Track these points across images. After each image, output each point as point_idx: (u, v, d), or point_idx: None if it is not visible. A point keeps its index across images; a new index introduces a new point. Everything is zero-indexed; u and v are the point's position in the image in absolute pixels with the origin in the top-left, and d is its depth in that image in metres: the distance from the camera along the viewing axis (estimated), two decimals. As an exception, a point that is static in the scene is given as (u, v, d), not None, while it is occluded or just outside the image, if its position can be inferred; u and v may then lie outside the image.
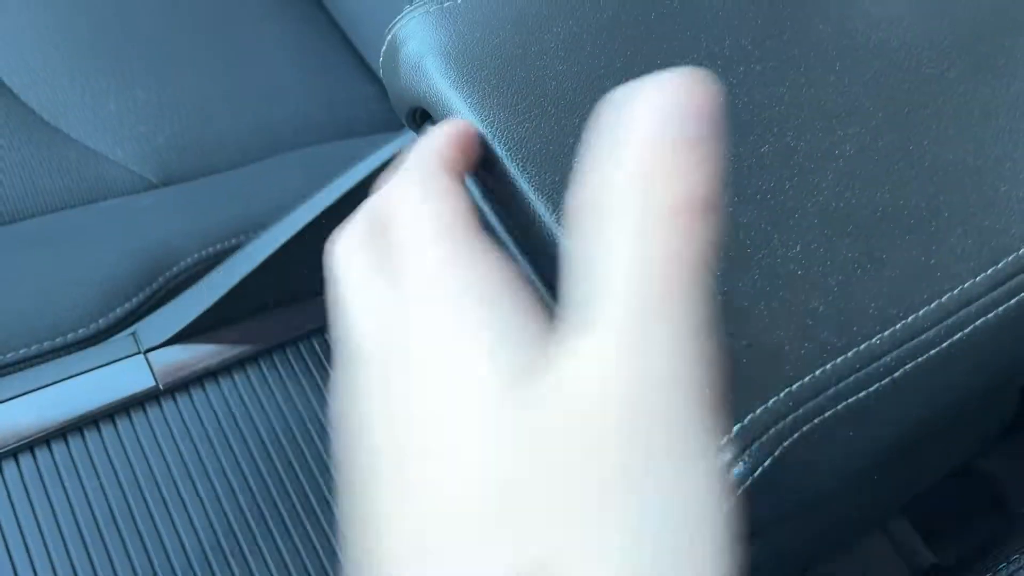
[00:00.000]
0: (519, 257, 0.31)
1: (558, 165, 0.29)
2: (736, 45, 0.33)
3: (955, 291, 0.29)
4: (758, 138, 0.31)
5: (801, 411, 0.26)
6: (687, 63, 0.32)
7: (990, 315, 0.29)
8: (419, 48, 0.32)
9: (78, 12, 0.60)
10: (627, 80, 0.31)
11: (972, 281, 0.29)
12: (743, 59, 0.33)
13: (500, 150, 0.30)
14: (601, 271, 0.20)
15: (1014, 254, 0.30)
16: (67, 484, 0.44)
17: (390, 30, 0.32)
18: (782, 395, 0.26)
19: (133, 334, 0.50)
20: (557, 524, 0.19)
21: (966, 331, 0.29)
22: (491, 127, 0.30)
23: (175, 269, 0.53)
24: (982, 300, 0.29)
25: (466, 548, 0.19)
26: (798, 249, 0.29)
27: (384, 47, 0.33)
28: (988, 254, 0.30)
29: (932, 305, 0.29)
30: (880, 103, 0.33)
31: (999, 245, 0.30)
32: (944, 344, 0.28)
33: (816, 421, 0.26)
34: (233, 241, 0.54)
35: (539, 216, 0.29)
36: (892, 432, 0.28)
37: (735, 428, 0.25)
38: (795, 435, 0.26)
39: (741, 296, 0.28)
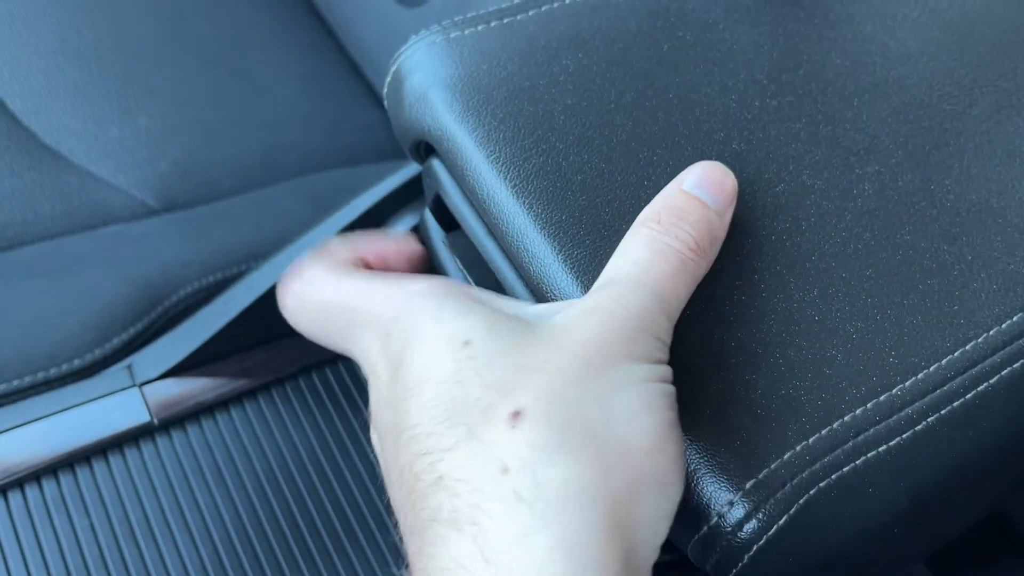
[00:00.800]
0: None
1: (565, 204, 0.28)
2: (751, 79, 0.32)
3: (980, 339, 0.28)
4: (774, 176, 0.30)
5: (818, 465, 0.25)
6: (701, 97, 0.31)
7: (1016, 364, 0.28)
8: (424, 79, 0.31)
9: (83, 37, 0.60)
10: (637, 115, 0.30)
11: (998, 328, 0.28)
12: (759, 93, 0.32)
13: (506, 188, 0.29)
14: (618, 261, 0.26)
15: None
16: (57, 523, 0.42)
17: (395, 60, 0.31)
18: (799, 448, 0.25)
19: (129, 366, 0.49)
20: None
21: (992, 381, 0.27)
22: (497, 163, 0.29)
23: (174, 298, 0.52)
24: (1009, 348, 0.28)
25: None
26: (815, 294, 0.28)
27: (389, 77, 0.32)
28: (1014, 300, 0.29)
29: (956, 354, 0.27)
30: (900, 140, 0.32)
31: None
32: (969, 395, 0.27)
33: (834, 476, 0.25)
34: (234, 270, 0.53)
35: (543, 258, 0.28)
36: (915, 487, 0.26)
37: (748, 484, 0.24)
38: (812, 491, 0.24)
39: (756, 343, 0.26)
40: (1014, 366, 0.27)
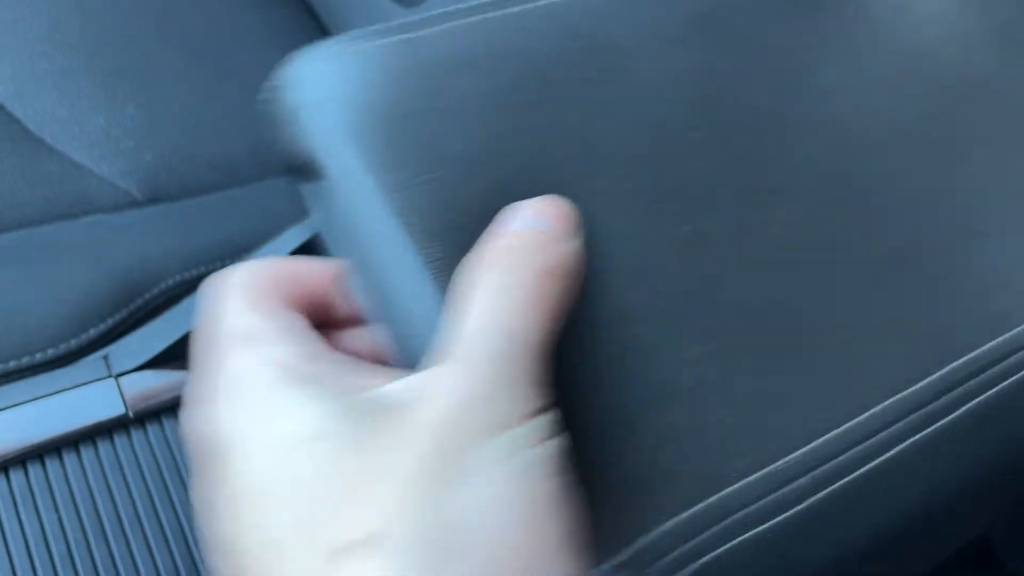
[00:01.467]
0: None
1: (449, 237, 0.27)
2: (667, 112, 0.31)
3: (884, 404, 0.27)
4: (678, 218, 0.29)
5: (693, 544, 0.24)
6: (607, 128, 0.30)
7: (922, 433, 0.27)
8: (308, 96, 0.29)
9: (72, 25, 0.60)
10: (533, 145, 0.29)
11: (903, 394, 0.27)
12: (673, 128, 0.30)
13: (390, 218, 0.28)
14: (460, 318, 0.23)
15: (957, 361, 0.28)
16: (23, 516, 0.44)
17: (280, 70, 0.29)
18: (669, 525, 0.24)
19: (105, 357, 0.50)
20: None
21: (893, 451, 0.27)
22: (384, 190, 0.27)
23: (154, 291, 0.53)
24: (914, 416, 0.27)
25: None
26: (710, 349, 0.27)
27: (266, 94, 0.30)
28: (927, 362, 0.28)
29: (855, 420, 0.27)
30: (819, 183, 0.30)
31: (942, 351, 0.28)
32: (869, 466, 0.26)
33: (710, 557, 0.24)
34: (216, 265, 0.54)
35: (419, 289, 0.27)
36: (805, 566, 0.26)
37: (611, 563, 0.24)
38: (683, 572, 0.24)
39: (636, 404, 0.25)
40: (918, 435, 0.27)
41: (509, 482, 0.20)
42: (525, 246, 0.25)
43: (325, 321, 0.29)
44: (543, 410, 0.22)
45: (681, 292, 0.27)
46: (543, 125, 0.30)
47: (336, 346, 0.29)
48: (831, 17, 0.36)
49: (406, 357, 0.28)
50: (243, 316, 0.25)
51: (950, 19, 0.39)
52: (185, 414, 0.24)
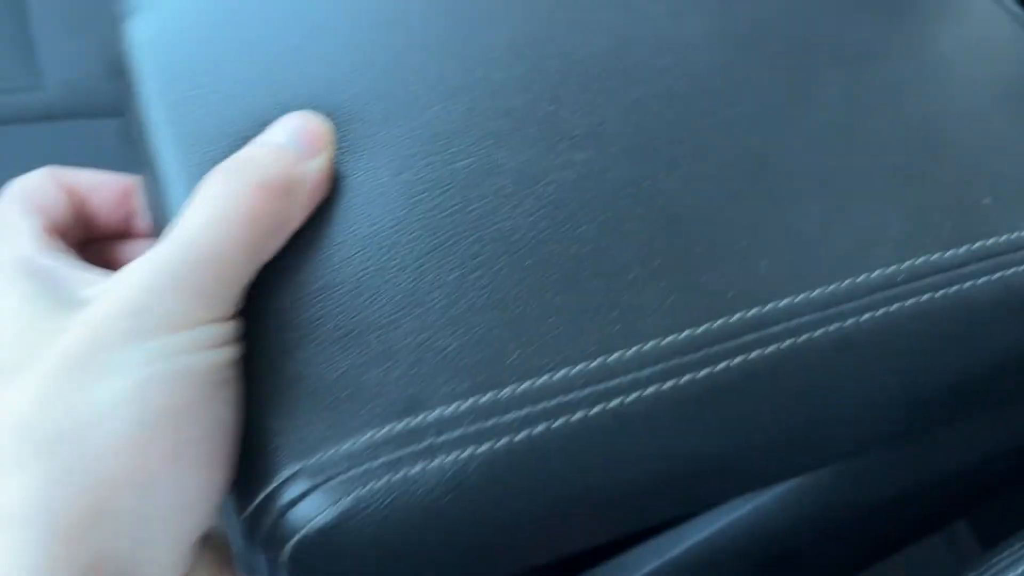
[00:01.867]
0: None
1: (212, 145, 0.28)
2: (484, 48, 0.31)
3: (629, 351, 0.26)
4: (461, 150, 0.29)
5: (380, 462, 0.23)
6: (418, 55, 0.30)
7: (665, 385, 0.26)
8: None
9: None
10: (325, 61, 0.29)
11: (655, 343, 0.26)
12: (484, 62, 0.31)
13: (163, 123, 0.28)
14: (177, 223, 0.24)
15: (722, 319, 0.27)
16: None
17: None
18: (361, 439, 0.24)
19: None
20: None
21: (628, 399, 0.25)
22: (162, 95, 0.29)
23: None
24: (660, 366, 0.26)
25: None
26: (453, 278, 0.26)
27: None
28: (688, 316, 0.27)
29: (593, 362, 0.26)
30: (628, 132, 0.30)
31: (707, 307, 0.27)
32: (592, 410, 0.25)
33: (397, 476, 0.23)
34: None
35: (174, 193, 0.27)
36: (509, 508, 0.25)
37: (292, 469, 0.23)
38: (365, 488, 0.23)
39: (358, 320, 0.25)
40: (662, 386, 0.26)
41: (128, 388, 0.21)
42: (253, 158, 0.26)
43: (104, 231, 0.30)
44: (212, 320, 0.23)
45: (440, 221, 0.27)
46: (352, 51, 0.30)
47: (111, 257, 0.30)
48: None
49: None
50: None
51: None
52: None
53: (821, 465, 0.32)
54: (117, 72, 0.32)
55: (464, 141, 0.29)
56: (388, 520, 0.23)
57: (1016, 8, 0.38)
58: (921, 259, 0.29)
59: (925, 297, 0.28)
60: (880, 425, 0.30)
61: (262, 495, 0.23)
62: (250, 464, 0.24)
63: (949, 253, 0.29)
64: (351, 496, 0.23)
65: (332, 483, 0.23)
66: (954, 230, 0.30)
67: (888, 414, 0.29)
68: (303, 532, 0.23)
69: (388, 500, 0.23)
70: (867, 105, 0.33)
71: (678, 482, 0.27)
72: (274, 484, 0.23)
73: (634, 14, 0.33)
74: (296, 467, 0.23)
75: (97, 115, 0.57)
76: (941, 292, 0.29)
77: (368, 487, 0.23)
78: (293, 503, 0.23)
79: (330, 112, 0.29)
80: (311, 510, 0.23)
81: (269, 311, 0.25)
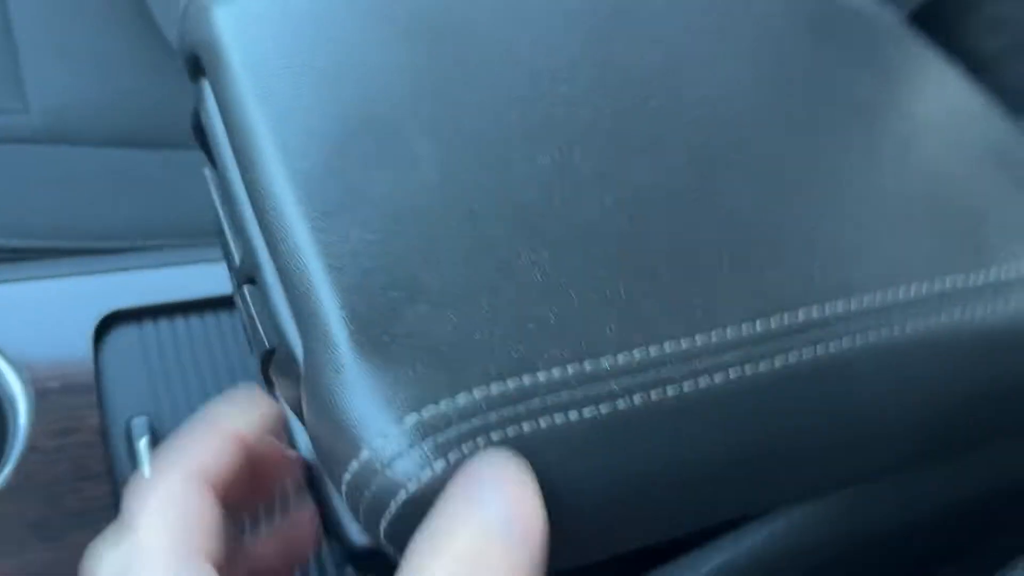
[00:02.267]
0: None
1: (307, 137, 0.28)
2: (550, 64, 0.33)
3: (712, 334, 0.27)
4: (539, 149, 0.30)
5: (494, 416, 0.24)
6: (489, 65, 0.32)
7: (747, 368, 0.27)
8: None
9: None
10: (406, 65, 0.31)
11: (736, 329, 0.28)
12: (551, 76, 0.32)
13: (249, 94, 0.29)
14: None
15: (789, 313, 0.28)
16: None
17: None
18: (476, 394, 0.24)
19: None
20: None
21: (716, 378, 0.27)
22: (250, 73, 0.29)
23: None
24: (742, 350, 0.27)
25: None
26: (546, 255, 0.27)
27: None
28: (760, 307, 0.28)
29: (682, 341, 0.27)
30: (687, 147, 0.32)
31: (775, 302, 0.29)
32: (684, 385, 0.26)
33: (510, 432, 0.24)
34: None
35: (283, 208, 0.27)
36: (609, 471, 0.25)
37: (409, 418, 0.23)
38: (479, 440, 0.23)
39: (462, 285, 0.26)
40: (744, 369, 0.27)
41: None
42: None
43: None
44: None
45: (531, 210, 0.28)
46: (427, 56, 0.32)
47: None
48: (718, 16, 0.39)
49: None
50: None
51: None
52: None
53: (864, 477, 0.34)
54: (195, 56, 0.33)
55: (542, 141, 0.30)
56: None
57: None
58: (948, 282, 0.32)
59: (954, 315, 0.31)
60: (919, 436, 0.32)
61: (380, 440, 0.23)
62: (366, 412, 0.24)
63: (972, 278, 0.32)
64: (467, 447, 0.23)
65: (449, 434, 0.23)
66: (971, 260, 0.33)
67: (926, 424, 0.31)
68: (419, 479, 0.23)
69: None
70: (884, 152, 0.36)
71: (747, 468, 0.28)
72: (392, 429, 0.23)
73: (677, 49, 0.36)
74: (414, 417, 0.23)
75: (79, 143, 0.56)
76: (967, 312, 0.31)
77: (483, 440, 0.23)
78: (410, 449, 0.23)
79: (415, 103, 0.30)
80: (426, 458, 0.23)
81: (377, 269, 0.26)
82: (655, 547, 0.30)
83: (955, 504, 0.41)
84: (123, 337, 0.44)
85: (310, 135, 0.28)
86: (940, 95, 0.43)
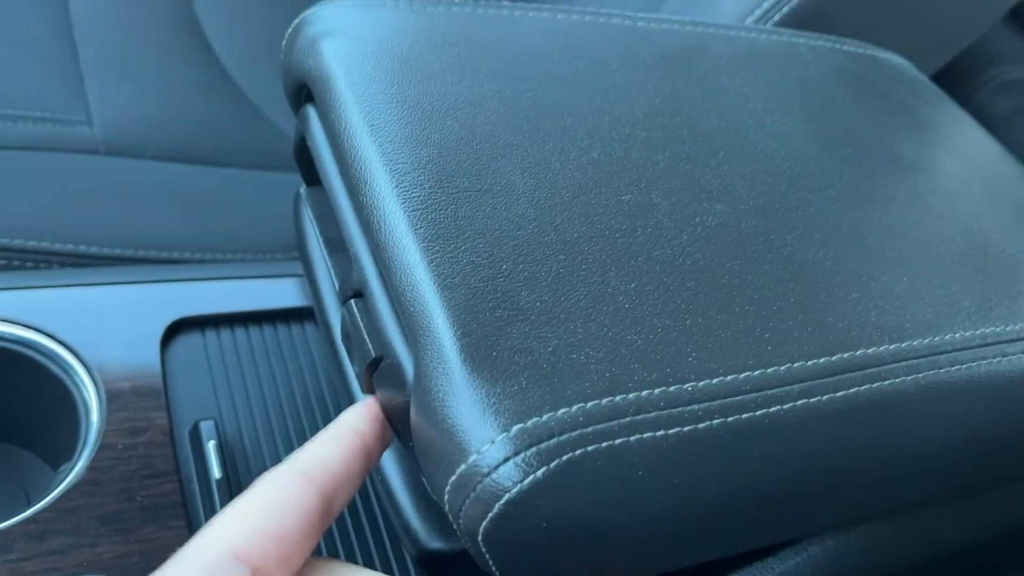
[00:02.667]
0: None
1: (425, 172, 0.31)
2: (627, 112, 0.35)
3: (782, 367, 0.30)
4: (623, 187, 0.33)
5: (591, 430, 0.26)
6: (576, 111, 0.34)
7: (812, 399, 0.29)
8: (320, 29, 0.35)
9: None
10: (511, 107, 0.33)
11: (802, 363, 0.30)
12: (630, 123, 0.35)
13: (361, 124, 0.31)
14: None
15: (850, 352, 0.31)
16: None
17: (302, 15, 0.35)
18: (574, 409, 0.26)
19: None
20: None
21: (785, 407, 0.29)
22: (366, 113, 0.31)
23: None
24: (808, 383, 0.30)
25: None
26: (632, 286, 0.30)
27: (290, 29, 0.35)
28: (824, 345, 0.31)
29: (755, 372, 0.29)
30: (753, 194, 0.35)
31: (837, 341, 0.31)
32: (758, 412, 0.28)
33: (604, 445, 0.26)
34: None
35: (395, 228, 0.29)
36: (689, 488, 0.27)
37: (514, 428, 0.25)
38: (578, 451, 0.26)
39: (561, 308, 0.28)
40: (810, 399, 0.29)
41: None
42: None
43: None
44: None
45: (619, 242, 0.31)
46: (521, 96, 0.34)
47: None
48: (775, 75, 0.42)
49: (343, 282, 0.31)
50: None
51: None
52: None
53: (906, 506, 0.36)
54: (301, 84, 0.35)
55: (624, 180, 0.33)
56: (592, 486, 0.26)
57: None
58: (989, 329, 0.34)
59: (995, 360, 0.34)
60: (959, 469, 0.34)
61: (488, 447, 0.25)
62: (475, 421, 0.26)
63: (1010, 327, 0.35)
64: (566, 458, 0.25)
65: (550, 443, 0.25)
66: (1008, 310, 0.36)
67: (966, 459, 0.34)
68: (521, 485, 0.25)
69: (596, 464, 0.26)
70: (928, 205, 0.39)
71: (805, 491, 0.30)
72: (499, 437, 0.25)
73: (740, 103, 0.39)
74: (519, 427, 0.25)
75: (140, 156, 0.58)
76: (1007, 358, 0.34)
77: (581, 451, 0.26)
78: (515, 456, 0.25)
79: (509, 139, 0.32)
80: (530, 465, 0.25)
81: (484, 289, 0.28)
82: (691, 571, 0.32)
83: (989, 535, 0.43)
84: (188, 344, 0.46)
85: (419, 165, 0.31)
86: (975, 153, 0.46)
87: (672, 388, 0.28)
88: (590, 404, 0.27)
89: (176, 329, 0.46)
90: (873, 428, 0.31)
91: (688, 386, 0.28)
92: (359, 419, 0.29)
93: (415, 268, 0.28)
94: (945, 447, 0.33)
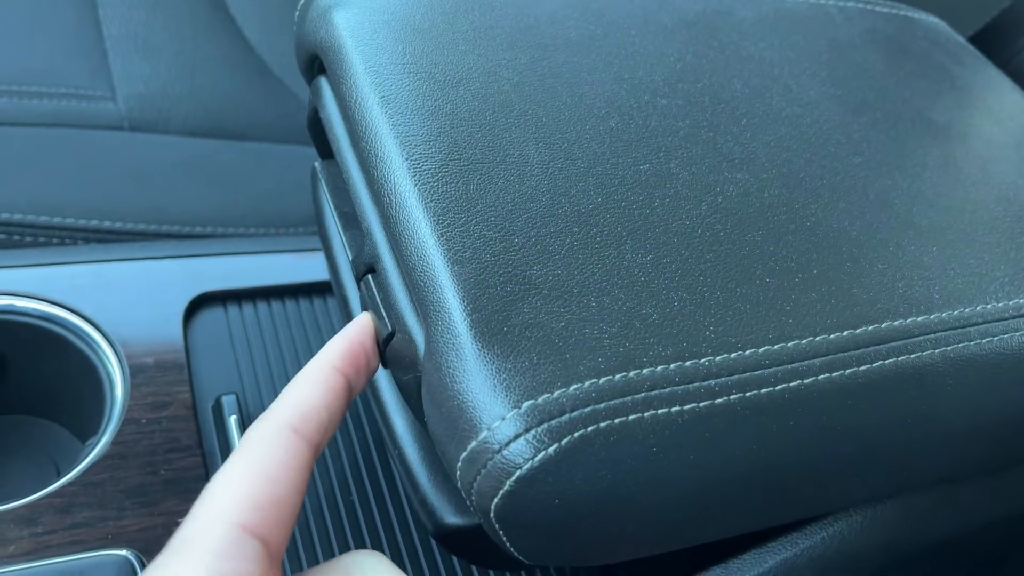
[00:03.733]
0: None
1: (436, 143, 0.30)
2: (647, 78, 0.34)
3: (803, 340, 0.29)
4: (641, 157, 0.32)
5: (604, 406, 0.25)
6: (593, 79, 0.34)
7: (835, 373, 0.29)
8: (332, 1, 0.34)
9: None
10: (526, 76, 0.32)
11: (825, 337, 0.29)
12: (650, 90, 0.34)
13: (372, 96, 0.30)
14: None
15: (875, 325, 0.30)
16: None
17: None
18: (587, 384, 0.26)
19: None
20: None
21: (805, 382, 0.28)
22: (378, 84, 0.31)
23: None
24: (831, 357, 0.29)
25: None
26: (649, 259, 0.29)
27: (303, 0, 0.35)
28: (848, 318, 0.30)
29: (775, 346, 0.28)
30: (776, 162, 0.34)
31: (861, 313, 0.30)
32: (779, 387, 0.28)
33: (617, 421, 0.26)
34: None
35: (406, 201, 0.29)
36: (705, 465, 0.27)
37: (525, 404, 0.25)
38: (590, 428, 0.25)
39: (574, 282, 0.28)
40: (832, 374, 0.28)
41: None
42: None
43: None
44: None
45: (636, 213, 0.30)
46: (537, 64, 0.33)
47: None
48: (802, 38, 0.40)
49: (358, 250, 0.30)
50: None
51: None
52: None
53: (931, 481, 0.35)
54: (313, 56, 0.35)
55: (642, 149, 0.32)
56: (604, 463, 0.25)
57: None
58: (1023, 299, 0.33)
59: None
60: (992, 444, 0.33)
61: (499, 423, 0.25)
62: (486, 396, 0.25)
63: None
64: (578, 434, 0.25)
65: (562, 420, 0.25)
66: None
67: (993, 434, 0.33)
68: (532, 461, 0.24)
69: (608, 441, 0.25)
70: (961, 171, 0.37)
71: (826, 468, 0.29)
72: (510, 413, 0.25)
73: (765, 68, 0.38)
74: (531, 403, 0.25)
75: (163, 131, 0.58)
76: None
77: (593, 428, 0.25)
78: (526, 432, 0.25)
79: (524, 110, 0.32)
80: (541, 441, 0.25)
81: (495, 264, 0.28)
82: (707, 548, 0.32)
83: (1005, 514, 0.42)
84: (210, 318, 0.46)
85: (430, 138, 0.30)
86: (1013, 117, 0.44)
87: (688, 363, 0.27)
88: (603, 380, 0.26)
89: (198, 304, 0.46)
90: (899, 404, 0.30)
91: (705, 360, 0.27)
92: (338, 356, 0.29)
93: (425, 243, 0.28)
94: (974, 424, 0.32)
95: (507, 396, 0.25)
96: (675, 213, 0.31)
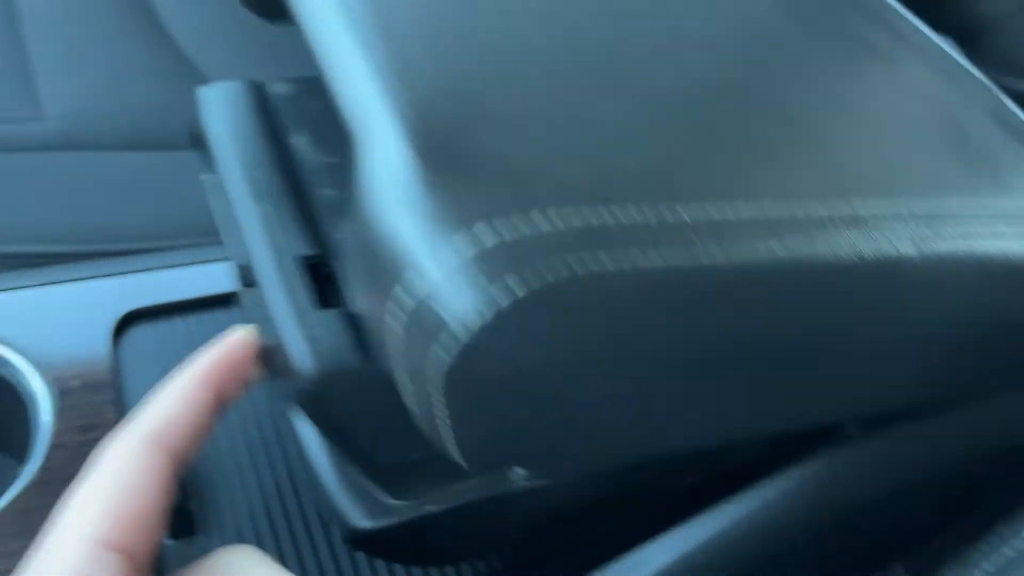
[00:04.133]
0: None
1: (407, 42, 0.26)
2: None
3: (779, 201, 0.27)
4: (604, 20, 0.30)
5: (569, 242, 0.22)
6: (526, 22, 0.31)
7: (800, 238, 0.26)
8: None
9: None
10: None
11: (801, 201, 0.27)
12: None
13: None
14: None
15: (840, 200, 0.28)
16: None
17: None
18: (550, 212, 0.22)
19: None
20: None
21: (784, 241, 0.26)
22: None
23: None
24: (808, 227, 0.27)
25: None
26: (613, 105, 0.27)
27: None
28: (820, 188, 0.28)
29: (749, 201, 0.25)
30: (733, 47, 0.32)
31: (836, 185, 0.28)
32: (758, 245, 0.25)
33: (590, 262, 0.22)
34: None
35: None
36: (679, 332, 0.24)
37: (478, 224, 0.21)
38: (558, 266, 0.21)
39: (537, 117, 0.25)
40: (798, 239, 0.26)
41: None
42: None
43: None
44: None
45: (598, 60, 0.28)
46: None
47: None
48: None
49: None
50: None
51: None
52: None
53: (905, 394, 0.34)
54: None
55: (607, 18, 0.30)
56: (572, 309, 0.22)
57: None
58: (979, 200, 0.31)
59: (991, 237, 0.30)
60: (960, 354, 0.32)
61: (447, 257, 0.21)
62: (426, 228, 0.22)
63: (1003, 202, 0.32)
64: (548, 272, 0.21)
65: (520, 257, 0.21)
66: (994, 186, 0.33)
67: (966, 342, 0.32)
68: (484, 314, 0.21)
69: (576, 286, 0.22)
70: (904, 86, 0.36)
71: (806, 357, 0.28)
72: (464, 248, 0.21)
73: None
74: (484, 226, 0.21)
75: (95, 148, 0.57)
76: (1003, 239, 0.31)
77: (564, 268, 0.22)
78: (475, 274, 0.21)
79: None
80: (506, 288, 0.21)
81: (446, 89, 0.25)
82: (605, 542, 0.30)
83: (951, 467, 0.42)
84: (141, 335, 0.46)
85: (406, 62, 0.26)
86: (943, 62, 0.42)
87: (663, 207, 0.23)
88: (570, 211, 0.22)
89: (129, 321, 0.46)
90: (878, 288, 0.28)
91: (680, 207, 0.24)
92: (204, 369, 0.29)
93: (358, 58, 0.25)
94: (945, 323, 0.31)
95: (459, 225, 0.21)
96: (642, 70, 0.29)
